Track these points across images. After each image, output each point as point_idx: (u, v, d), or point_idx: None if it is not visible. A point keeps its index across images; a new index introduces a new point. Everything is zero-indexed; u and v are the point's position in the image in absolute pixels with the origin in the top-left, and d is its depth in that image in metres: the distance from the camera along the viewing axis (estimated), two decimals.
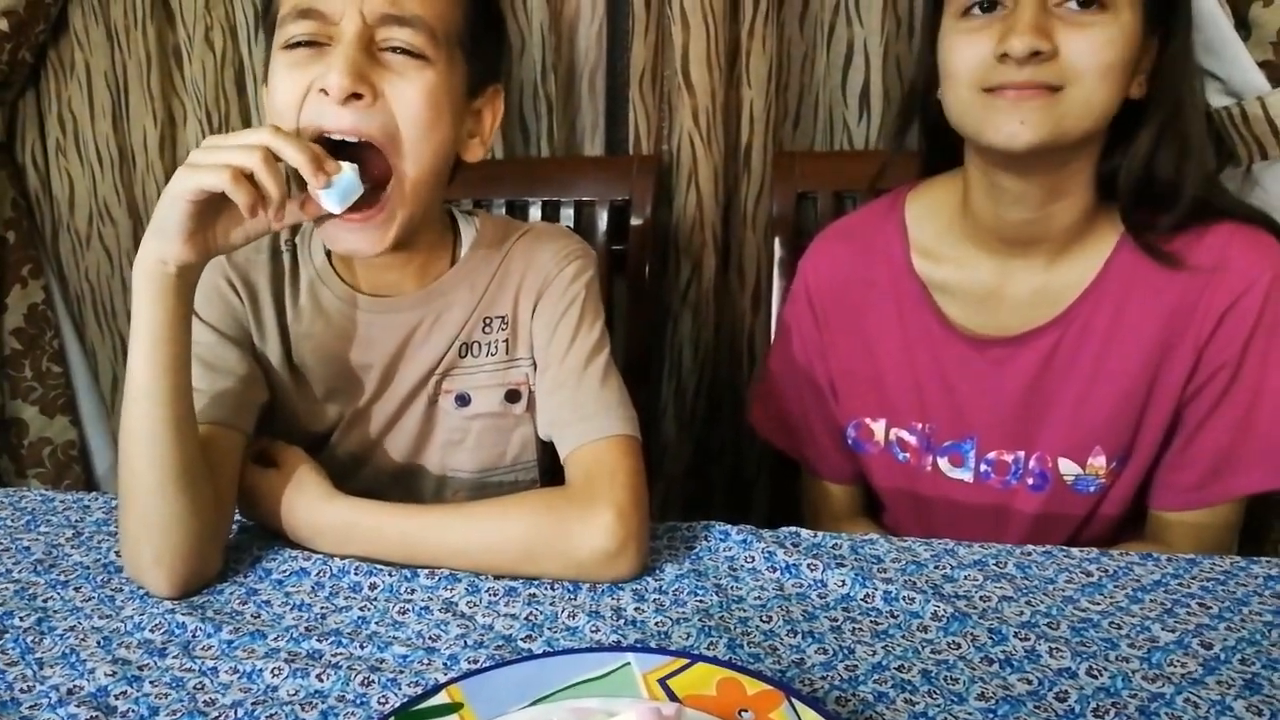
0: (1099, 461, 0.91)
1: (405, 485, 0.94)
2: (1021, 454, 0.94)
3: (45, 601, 0.75)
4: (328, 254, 0.92)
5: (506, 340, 0.92)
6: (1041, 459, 0.93)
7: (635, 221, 1.29)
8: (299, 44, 0.78)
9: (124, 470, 0.76)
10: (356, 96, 0.76)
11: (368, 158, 0.78)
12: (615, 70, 1.40)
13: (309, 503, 0.82)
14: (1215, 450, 0.89)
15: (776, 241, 1.28)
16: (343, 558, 0.80)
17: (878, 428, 0.99)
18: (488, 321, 0.91)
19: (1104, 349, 0.89)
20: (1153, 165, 0.84)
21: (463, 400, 0.91)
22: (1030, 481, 0.94)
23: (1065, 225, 0.88)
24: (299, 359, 0.91)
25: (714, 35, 1.30)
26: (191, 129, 1.50)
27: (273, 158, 0.71)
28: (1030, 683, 0.63)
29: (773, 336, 1.16)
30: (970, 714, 0.60)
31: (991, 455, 0.95)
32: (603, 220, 1.30)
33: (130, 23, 1.47)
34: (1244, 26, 1.15)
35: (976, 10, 0.82)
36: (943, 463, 0.97)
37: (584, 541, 0.76)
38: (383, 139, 0.78)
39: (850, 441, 1.02)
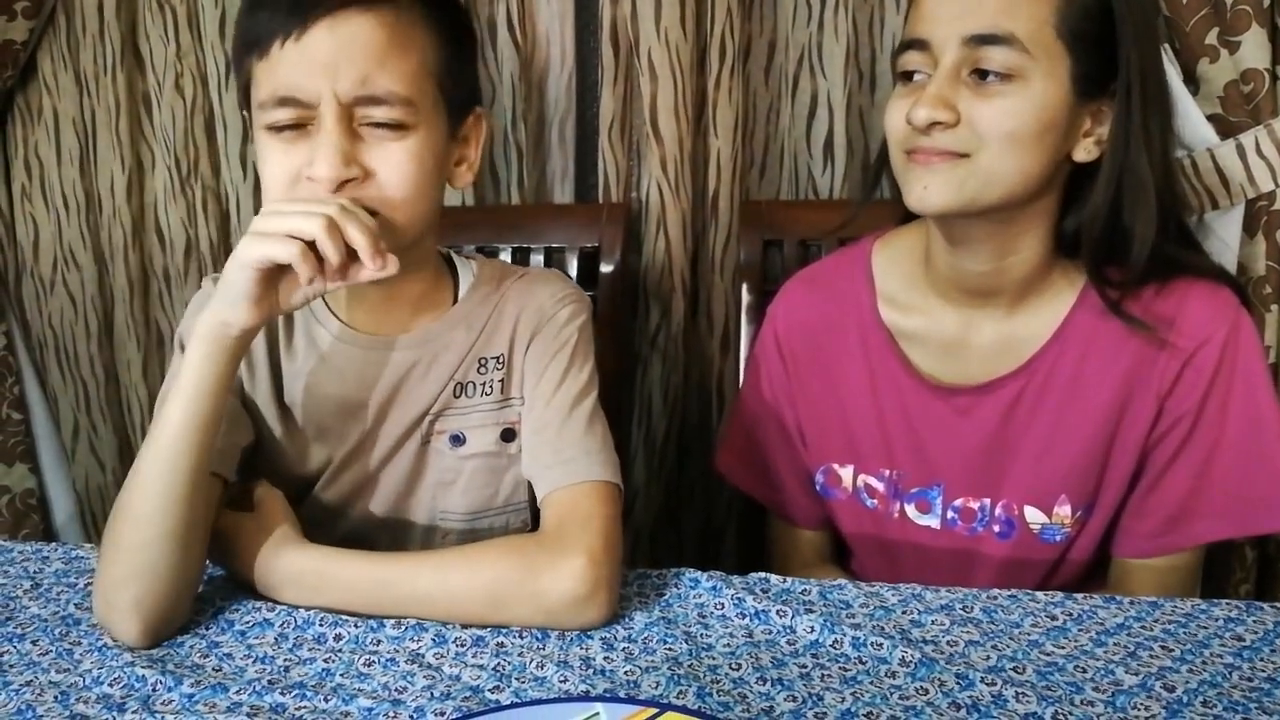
0: (1064, 511, 0.92)
1: (394, 528, 0.93)
2: (987, 501, 0.95)
3: (1, 655, 0.74)
4: None
5: (502, 380, 0.92)
6: (1008, 507, 0.94)
7: (605, 268, 1.30)
8: (283, 128, 0.80)
9: (125, 517, 0.76)
10: (347, 179, 0.79)
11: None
12: (585, 119, 1.42)
13: (277, 551, 0.81)
14: (1176, 499, 0.90)
15: (744, 287, 1.29)
16: (309, 609, 0.79)
17: (845, 474, 1.00)
18: (483, 362, 0.92)
19: (1067, 399, 0.91)
20: (1110, 224, 0.86)
21: (457, 440, 0.91)
22: (996, 529, 0.95)
23: (1021, 277, 0.90)
24: (290, 398, 0.91)
25: (681, 86, 1.32)
26: (160, 175, 1.49)
27: (335, 227, 0.73)
28: None
29: (741, 382, 1.17)
30: None
31: (958, 502, 0.96)
32: (572, 267, 1.31)
33: (100, 69, 1.47)
34: (1192, 81, 1.20)
35: (904, 79, 0.86)
36: (910, 509, 0.97)
37: (553, 586, 0.75)
38: (378, 205, 0.80)
39: (819, 487, 1.02)
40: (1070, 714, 0.64)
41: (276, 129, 0.80)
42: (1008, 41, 0.80)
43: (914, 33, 0.84)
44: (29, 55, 1.46)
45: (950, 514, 0.96)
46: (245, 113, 0.86)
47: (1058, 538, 0.93)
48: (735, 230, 1.37)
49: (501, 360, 0.92)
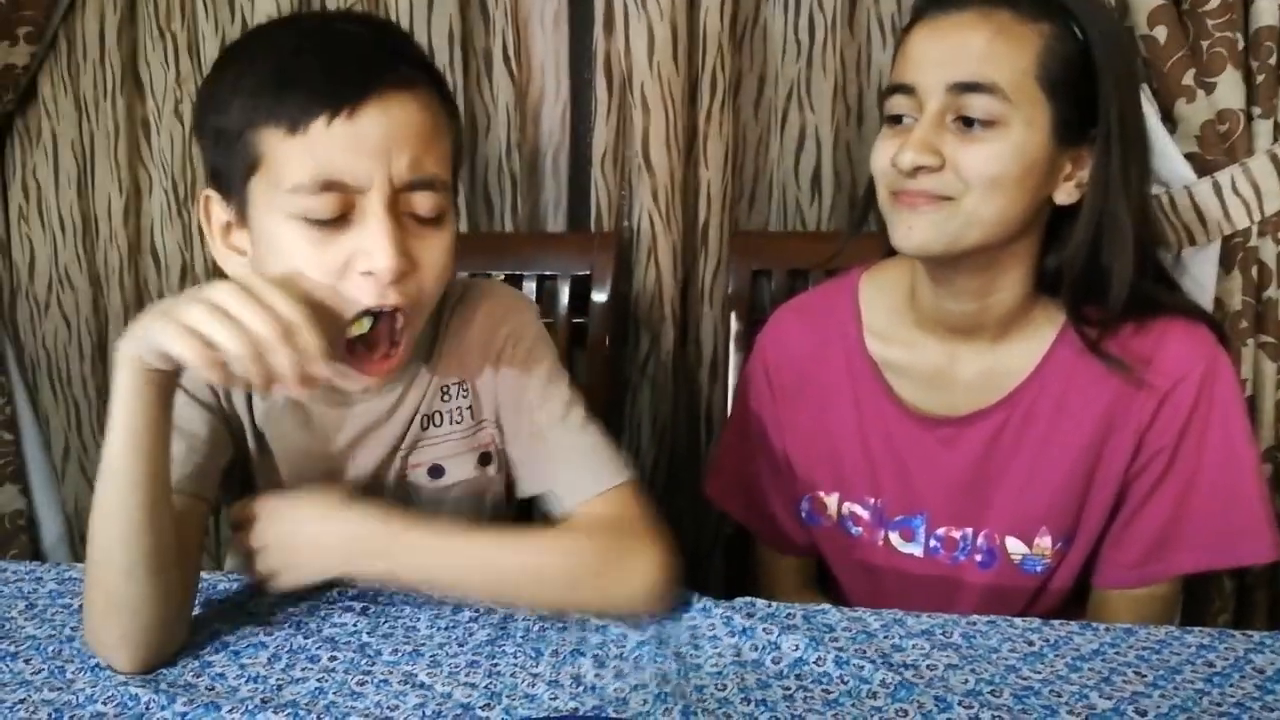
0: (1045, 542, 0.94)
1: None
2: (970, 531, 0.97)
3: None
4: None
5: (470, 406, 0.92)
6: (989, 537, 0.96)
7: (596, 296, 1.33)
8: (320, 220, 0.74)
9: (91, 553, 0.74)
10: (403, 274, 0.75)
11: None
12: (578, 149, 1.45)
13: (331, 514, 0.78)
14: (1154, 530, 0.92)
15: (733, 316, 1.31)
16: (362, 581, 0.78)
17: (831, 501, 1.02)
18: (445, 390, 0.91)
19: (1048, 432, 0.93)
20: (1089, 265, 0.88)
21: (436, 472, 0.92)
22: (978, 558, 0.97)
23: (1003, 314, 0.92)
24: (262, 424, 0.91)
25: (673, 119, 1.35)
26: (157, 198, 1.51)
27: (260, 357, 0.66)
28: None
29: (729, 409, 1.19)
30: None
31: (940, 531, 0.97)
32: (564, 294, 1.33)
33: (100, 94, 1.49)
34: (1170, 121, 1.24)
35: (891, 121, 0.89)
36: (894, 537, 0.99)
37: (637, 573, 0.79)
38: (412, 298, 0.77)
39: (804, 515, 1.04)
40: None
41: (315, 221, 0.74)
42: (990, 90, 0.82)
43: (900, 77, 0.87)
44: (30, 79, 1.48)
45: (933, 542, 0.98)
46: (208, 191, 0.80)
47: (1038, 568, 0.95)
48: (725, 260, 1.39)
49: (466, 386, 0.91)
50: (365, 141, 0.73)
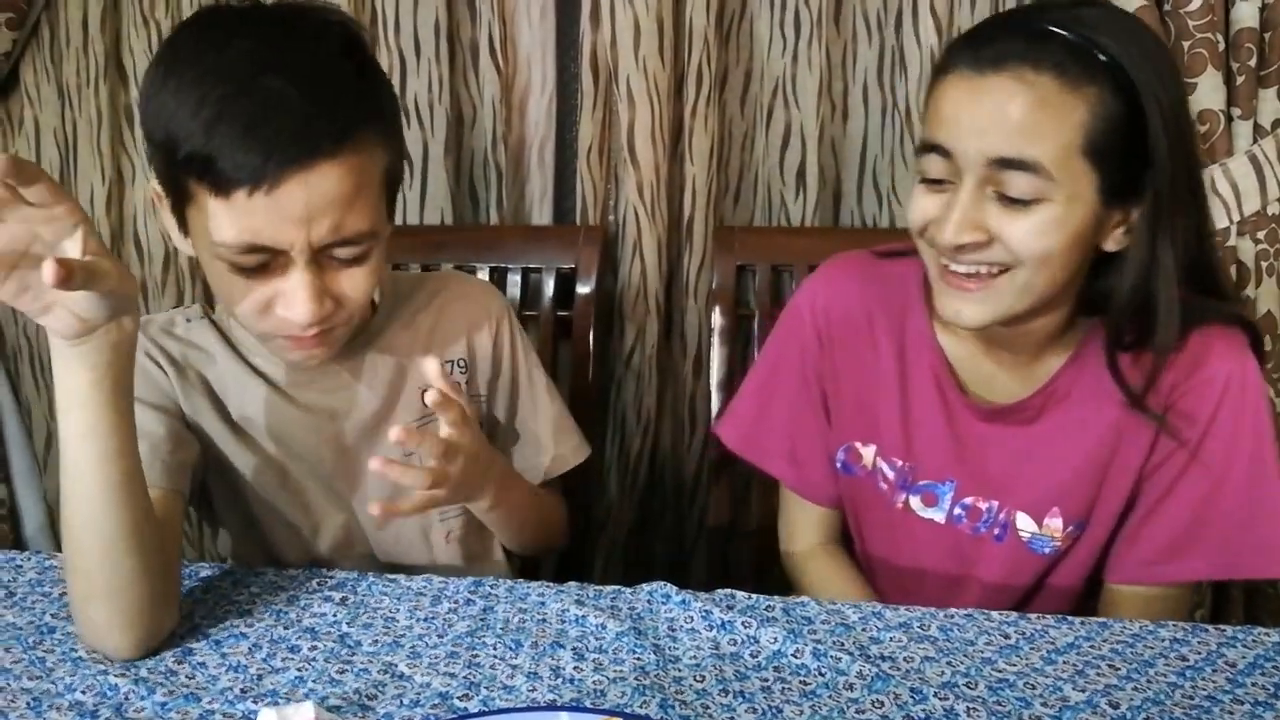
0: (1055, 524, 0.94)
1: (390, 531, 0.98)
2: (995, 504, 0.96)
3: None
4: None
5: (467, 381, 0.99)
6: (1006, 511, 0.95)
7: (581, 289, 1.33)
8: (248, 270, 0.79)
9: (65, 538, 0.75)
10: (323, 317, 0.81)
11: None
12: (564, 143, 1.45)
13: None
14: (1172, 531, 0.91)
15: (717, 311, 1.32)
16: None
17: (867, 453, 1.01)
18: (444, 365, 0.94)
19: (1073, 413, 0.92)
20: (1134, 309, 0.85)
21: None
22: (996, 532, 0.96)
23: (1042, 338, 0.91)
24: (240, 415, 0.93)
25: (659, 113, 1.35)
26: (140, 187, 1.50)
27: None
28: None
29: (754, 362, 1.16)
30: None
31: (968, 500, 0.96)
32: (549, 287, 1.33)
33: (83, 81, 1.48)
34: None
35: (928, 180, 0.85)
36: (915, 501, 0.98)
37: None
38: (343, 322, 0.85)
39: (839, 464, 1.03)
40: None
41: (242, 270, 0.79)
42: (1031, 169, 0.78)
43: (936, 137, 0.83)
44: (12, 66, 1.47)
45: (958, 510, 0.97)
46: (157, 186, 0.82)
47: (1046, 549, 0.95)
48: (709, 255, 1.40)
49: (464, 362, 0.99)
50: (286, 213, 0.76)
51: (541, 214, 1.48)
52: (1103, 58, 0.78)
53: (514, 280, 1.35)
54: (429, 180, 1.42)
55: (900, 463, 0.99)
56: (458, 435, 0.82)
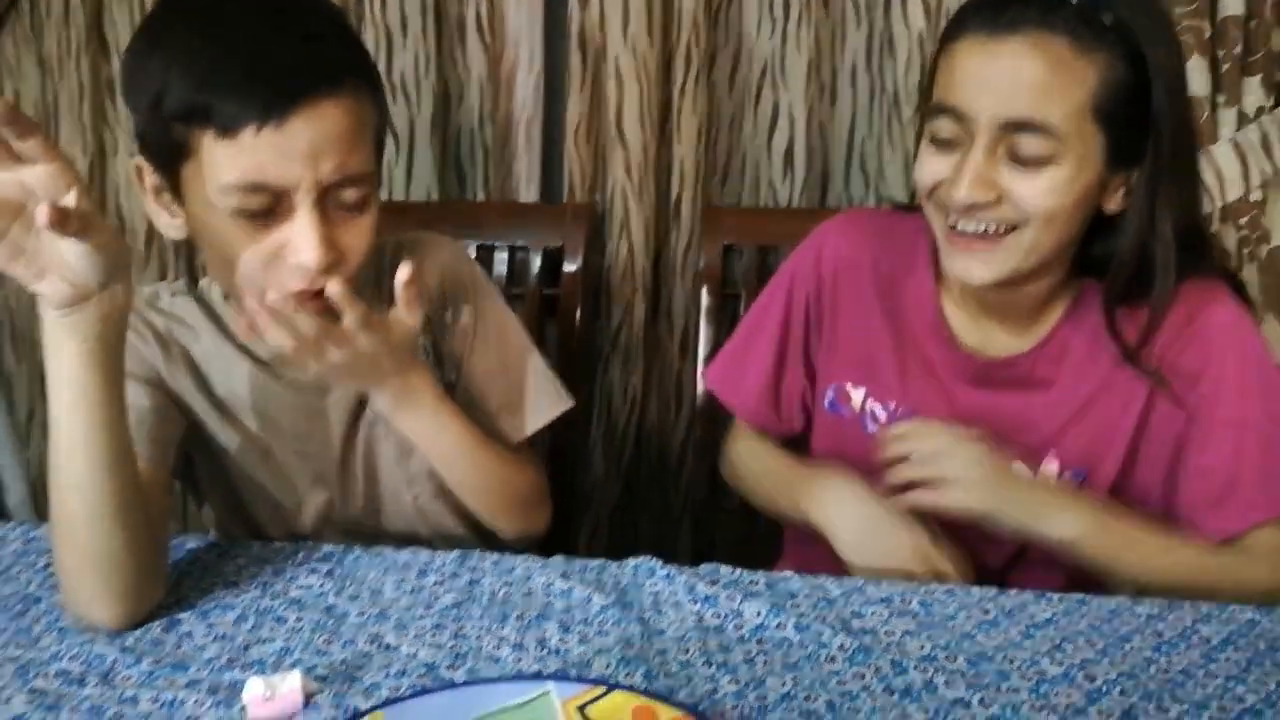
0: (1051, 468, 0.94)
1: (370, 495, 0.98)
2: None
3: None
4: (225, 296, 0.94)
5: (434, 341, 0.96)
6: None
7: (568, 268, 1.33)
8: (253, 213, 0.78)
9: (51, 509, 0.75)
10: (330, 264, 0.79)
11: None
12: (551, 121, 1.45)
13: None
14: (1214, 477, 0.90)
15: (704, 291, 1.32)
16: None
17: (857, 395, 1.02)
18: None
19: (1066, 371, 0.93)
20: (1132, 268, 0.87)
21: None
22: None
23: (1039, 298, 0.92)
24: (224, 392, 0.93)
25: (647, 93, 1.35)
26: (122, 161, 1.49)
27: None
28: (927, 712, 0.67)
29: (740, 324, 1.15)
30: None
31: None
32: (536, 265, 1.33)
33: (64, 53, 1.46)
34: None
35: (937, 142, 0.86)
36: None
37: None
38: (343, 274, 0.81)
39: (827, 402, 1.04)
40: (995, 700, 0.68)
41: (247, 215, 0.78)
42: (1044, 130, 0.80)
43: (949, 100, 0.84)
44: None
45: None
46: (140, 160, 0.82)
47: None
48: (697, 235, 1.40)
49: (432, 324, 0.96)
50: (293, 149, 0.76)
51: (528, 192, 1.47)
52: (1111, 24, 0.80)
53: (500, 258, 1.34)
54: (415, 157, 1.42)
55: (894, 405, 1.00)
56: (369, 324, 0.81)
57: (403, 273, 0.81)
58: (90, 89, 1.46)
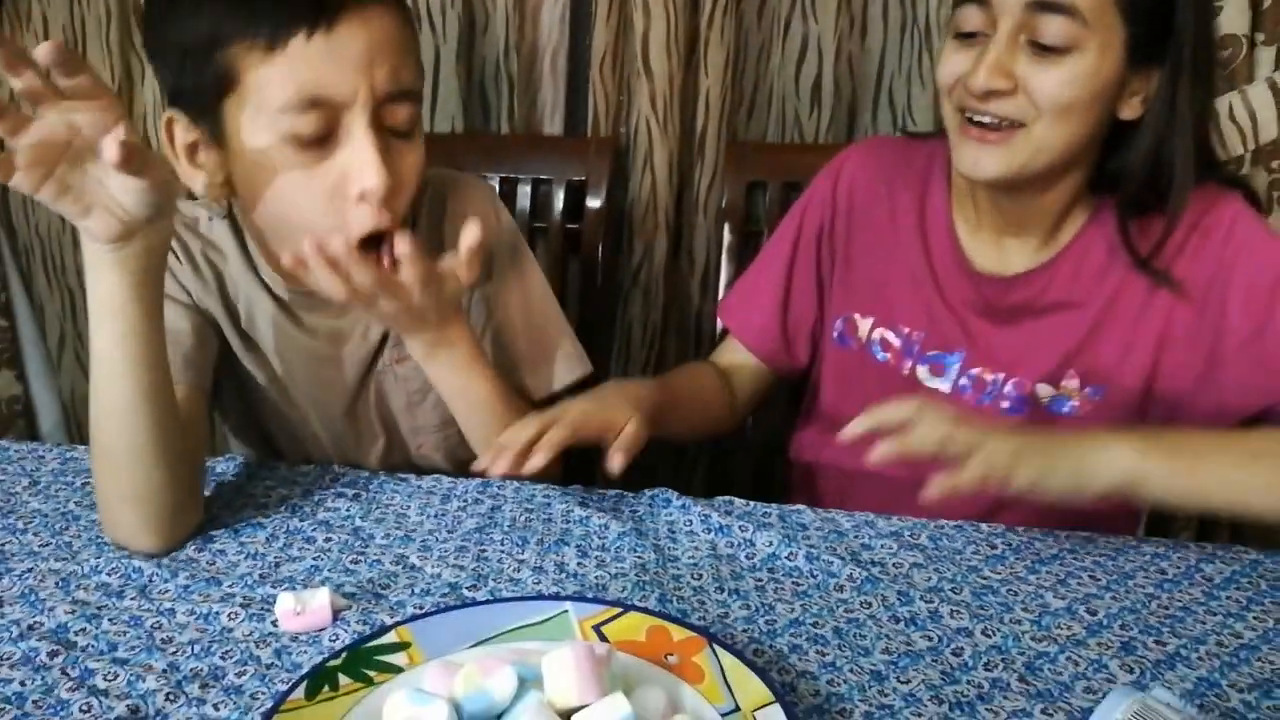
0: (1072, 384, 0.95)
1: (369, 448, 0.99)
2: (1001, 376, 0.97)
3: (2, 545, 0.78)
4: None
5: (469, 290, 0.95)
6: (1019, 384, 0.96)
7: (591, 202, 1.33)
8: (308, 140, 0.75)
9: (93, 440, 0.76)
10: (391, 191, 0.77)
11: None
12: (577, 52, 1.44)
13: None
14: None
15: (726, 228, 1.32)
16: None
17: (864, 325, 1.03)
18: None
19: (1082, 285, 0.94)
20: (1148, 178, 0.87)
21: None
22: (1005, 404, 0.97)
23: (1056, 211, 0.93)
24: (248, 325, 0.93)
25: (674, 23, 1.34)
26: (150, 86, 1.49)
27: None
28: (930, 639, 0.69)
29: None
30: (875, 665, 0.66)
31: (974, 371, 0.98)
32: (559, 199, 1.34)
33: None
34: None
35: (961, 34, 0.87)
36: (922, 370, 1.00)
37: None
38: (396, 209, 0.80)
39: (836, 335, 1.05)
40: (998, 630, 0.70)
41: (301, 141, 0.75)
42: (1068, 11, 0.80)
43: None
44: None
45: (964, 381, 0.99)
46: (173, 112, 0.79)
47: (1065, 409, 0.96)
48: (721, 170, 1.39)
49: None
50: (346, 54, 0.74)
51: (553, 124, 1.47)
52: None
53: (524, 191, 1.35)
54: (440, 87, 1.42)
55: (908, 330, 1.01)
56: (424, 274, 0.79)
57: (471, 234, 0.78)
58: (118, 13, 1.46)
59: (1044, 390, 0.96)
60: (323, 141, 0.76)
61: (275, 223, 0.83)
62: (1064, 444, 0.78)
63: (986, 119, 0.86)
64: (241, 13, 0.73)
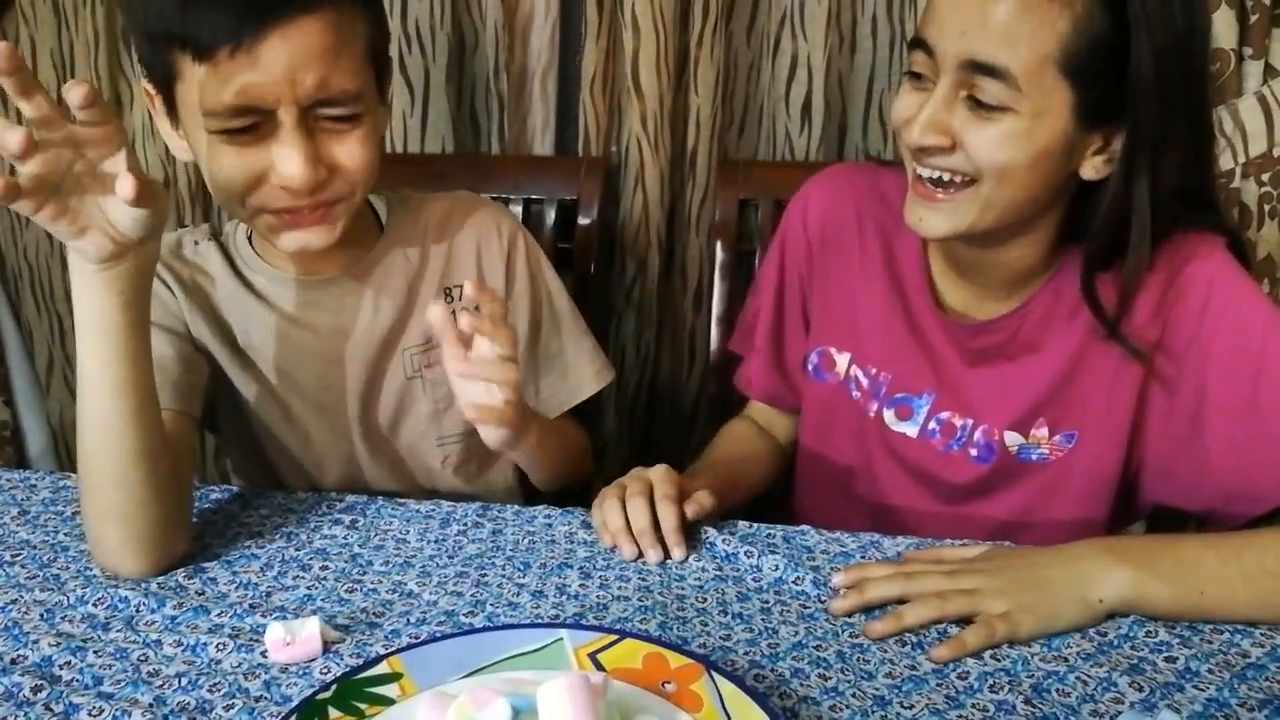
0: (1041, 432, 0.93)
1: (389, 459, 0.99)
2: (970, 422, 0.95)
3: None
4: (249, 238, 0.95)
5: (475, 305, 0.94)
6: (988, 432, 0.95)
7: (582, 221, 1.32)
8: (237, 132, 0.78)
9: (80, 459, 0.76)
10: (317, 182, 0.80)
11: None
12: (567, 72, 1.43)
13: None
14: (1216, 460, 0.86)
15: (718, 245, 1.32)
16: None
17: (841, 360, 1.02)
18: (448, 292, 0.95)
19: (1051, 333, 0.91)
20: (1110, 238, 0.84)
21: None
22: (973, 452, 0.96)
23: (1022, 270, 0.90)
24: (244, 342, 0.93)
25: (664, 42, 1.34)
26: (138, 112, 1.48)
27: None
28: (936, 665, 0.67)
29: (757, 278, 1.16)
30: (878, 689, 0.64)
31: (944, 415, 0.97)
32: (550, 218, 1.33)
33: (79, 2, 1.45)
34: None
35: (913, 73, 0.84)
36: (888, 414, 0.99)
37: None
38: (343, 195, 0.83)
39: (811, 368, 1.04)
40: (1006, 655, 0.68)
41: (232, 136, 0.78)
42: (1001, 76, 0.77)
43: (922, 33, 0.82)
44: None
45: (932, 425, 0.97)
46: (148, 85, 0.83)
47: (1033, 456, 0.94)
48: (712, 189, 1.39)
49: (459, 292, 0.96)
50: (269, 69, 0.75)
51: (543, 144, 1.46)
52: None
53: (515, 211, 1.34)
54: (430, 108, 1.41)
55: (874, 371, 0.99)
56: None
57: (468, 299, 0.77)
58: (106, 38, 1.45)
59: (1012, 439, 0.94)
60: (253, 131, 0.78)
61: (220, 198, 0.85)
62: (1064, 579, 0.74)
63: (935, 174, 0.83)
64: (176, 21, 0.75)
